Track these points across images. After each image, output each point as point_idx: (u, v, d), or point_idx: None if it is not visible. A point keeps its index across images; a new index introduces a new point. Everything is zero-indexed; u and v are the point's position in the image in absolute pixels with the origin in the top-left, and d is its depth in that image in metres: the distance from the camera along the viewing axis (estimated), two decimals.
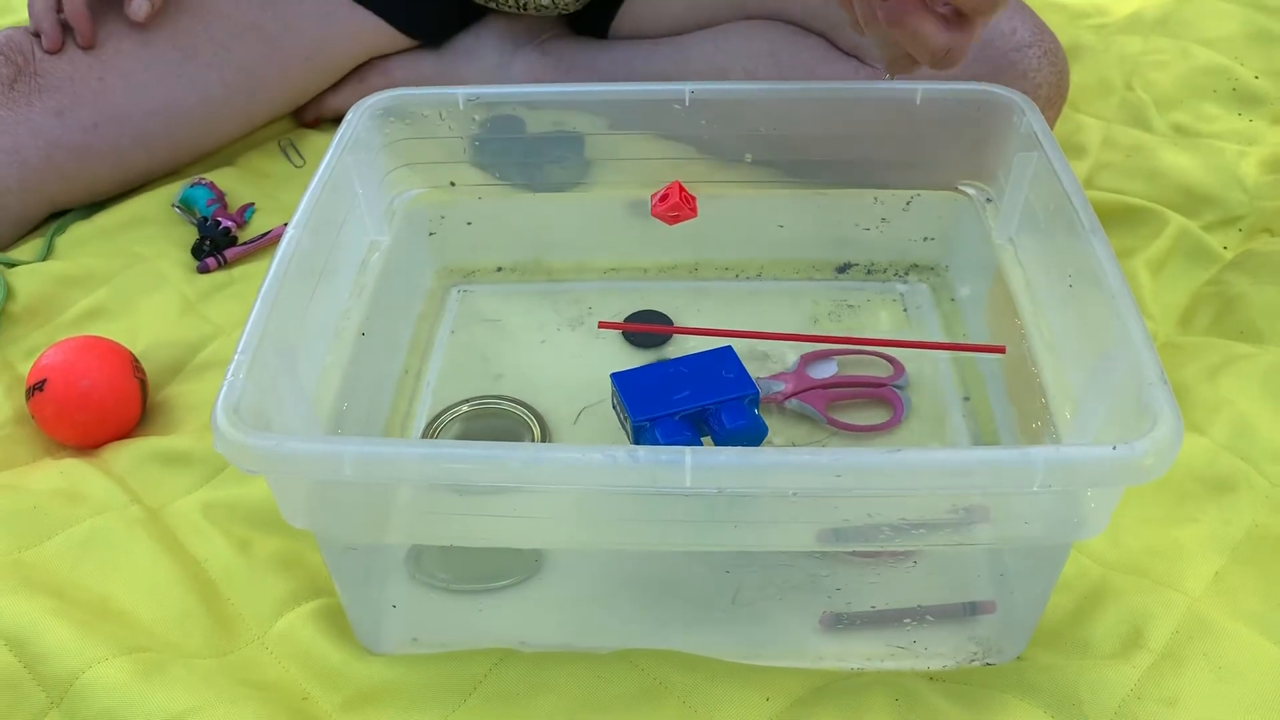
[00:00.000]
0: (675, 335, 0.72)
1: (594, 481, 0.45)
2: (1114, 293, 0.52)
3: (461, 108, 0.69)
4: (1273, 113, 0.93)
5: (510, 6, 0.89)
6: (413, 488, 0.49)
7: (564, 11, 0.90)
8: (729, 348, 0.62)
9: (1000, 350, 0.65)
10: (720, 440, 0.59)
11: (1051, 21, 0.89)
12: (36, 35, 0.81)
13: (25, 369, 0.71)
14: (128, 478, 0.64)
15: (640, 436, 0.59)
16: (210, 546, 0.60)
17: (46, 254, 0.82)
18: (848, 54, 0.79)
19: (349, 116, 0.67)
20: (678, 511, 0.47)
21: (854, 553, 0.55)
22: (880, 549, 0.54)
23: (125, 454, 0.65)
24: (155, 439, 0.67)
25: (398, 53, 0.94)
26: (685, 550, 0.57)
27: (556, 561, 0.58)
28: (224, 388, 0.48)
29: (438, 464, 0.46)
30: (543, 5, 0.88)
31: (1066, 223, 0.57)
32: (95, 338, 0.69)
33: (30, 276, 0.78)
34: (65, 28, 0.81)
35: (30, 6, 0.81)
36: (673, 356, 0.70)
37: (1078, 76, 0.95)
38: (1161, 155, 0.88)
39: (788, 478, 0.44)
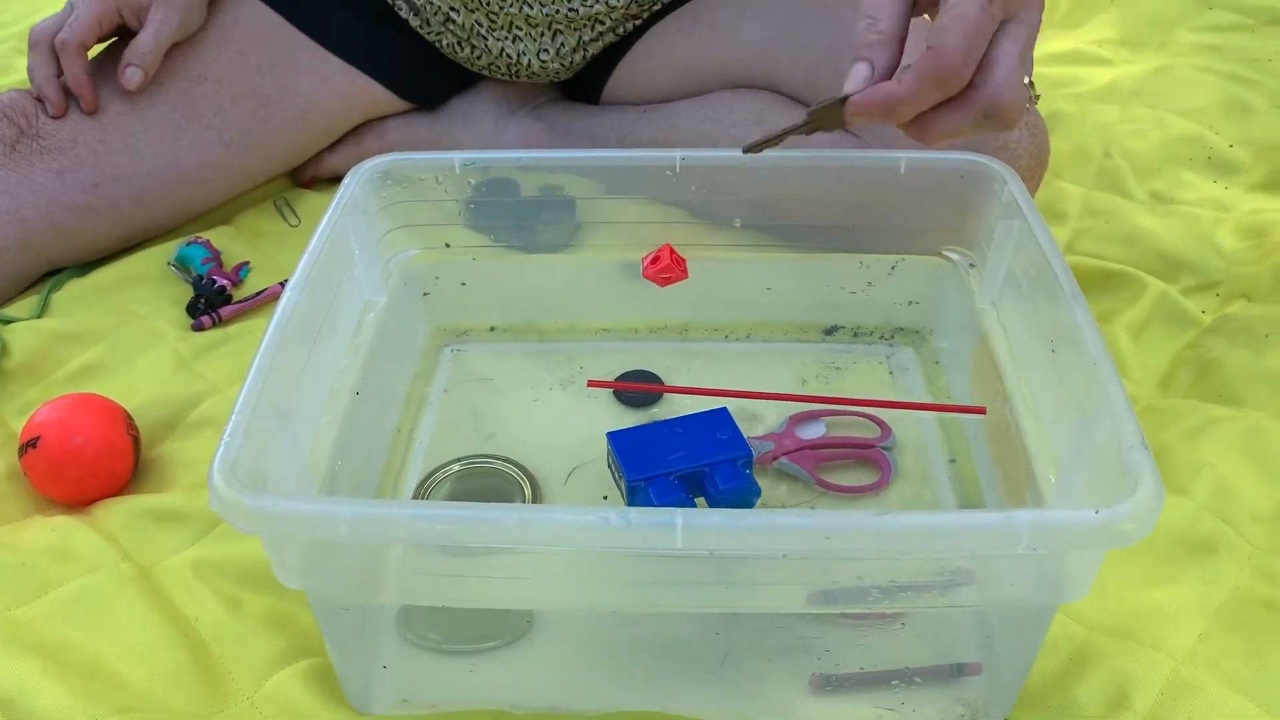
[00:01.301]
0: (665, 395, 0.73)
1: (586, 543, 0.46)
2: (1095, 358, 0.53)
3: (458, 172, 0.70)
4: (1247, 181, 0.96)
5: (503, 74, 0.91)
6: (406, 548, 0.49)
7: (555, 79, 0.93)
8: (724, 409, 0.63)
9: (981, 411, 0.66)
10: (714, 501, 0.60)
11: None
12: (39, 99, 0.83)
13: (19, 426, 0.71)
14: (119, 535, 0.64)
15: (635, 496, 0.60)
16: (201, 605, 0.60)
17: (42, 311, 0.83)
18: None
19: (347, 180, 0.68)
20: (668, 573, 0.48)
21: (843, 614, 0.56)
22: (869, 610, 0.55)
23: (117, 511, 0.65)
24: (147, 496, 0.67)
25: (393, 115, 0.96)
26: (676, 612, 0.57)
27: (547, 622, 0.58)
28: (221, 448, 0.48)
29: (432, 525, 0.46)
30: (534, 73, 0.91)
31: (1048, 289, 0.59)
32: (89, 395, 0.70)
33: (26, 333, 0.79)
34: (67, 92, 0.83)
35: (31, 75, 0.82)
36: (663, 416, 0.71)
37: (1057, 144, 0.97)
38: (1140, 221, 0.90)
39: (777, 540, 0.45)
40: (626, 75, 0.91)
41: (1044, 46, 1.17)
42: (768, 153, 0.64)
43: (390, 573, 0.51)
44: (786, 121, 0.59)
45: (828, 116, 0.51)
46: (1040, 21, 0.50)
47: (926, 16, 0.54)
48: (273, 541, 0.49)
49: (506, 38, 0.88)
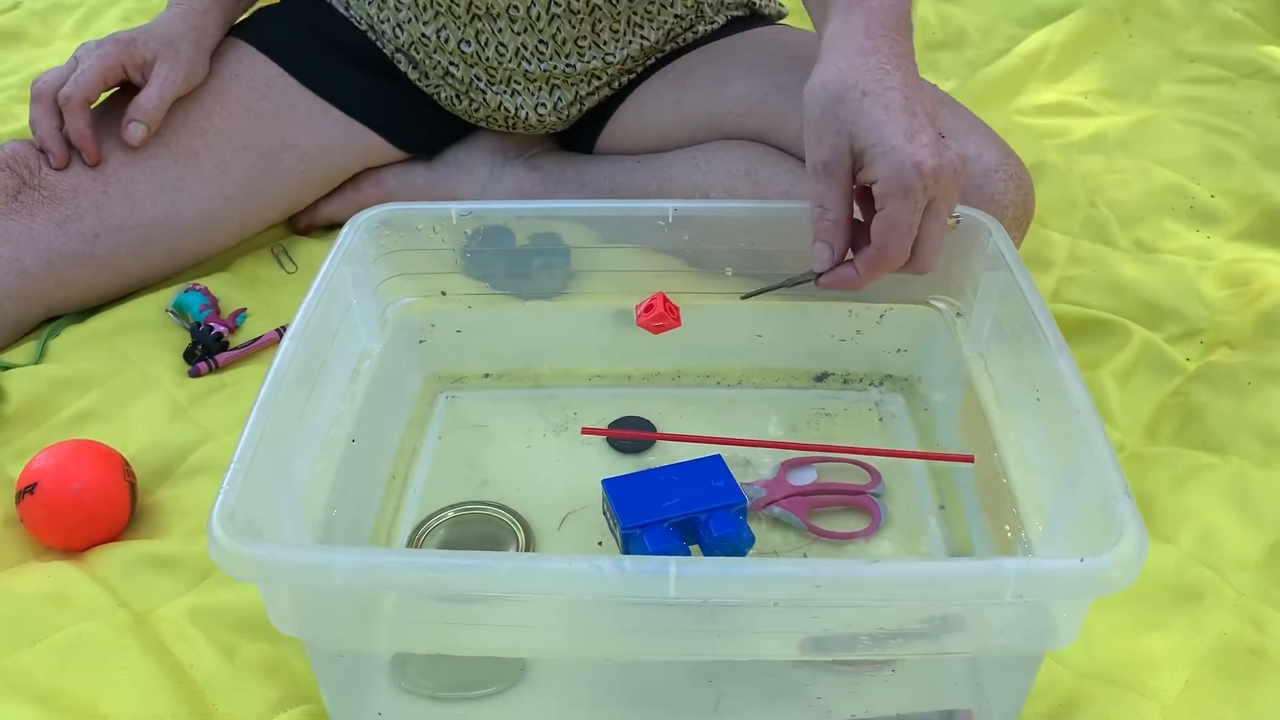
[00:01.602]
0: (658, 441, 0.74)
1: (580, 591, 0.46)
2: (1079, 408, 0.54)
3: (455, 221, 0.71)
4: (1229, 230, 0.98)
5: (500, 125, 0.93)
6: (400, 596, 0.50)
7: (552, 131, 0.94)
8: (718, 456, 0.64)
9: (969, 460, 0.67)
10: (708, 547, 0.60)
11: (1017, 142, 0.93)
12: (41, 150, 0.84)
13: (16, 471, 0.71)
14: (115, 582, 0.64)
15: (630, 543, 0.60)
16: (196, 652, 0.60)
17: (40, 357, 0.83)
18: None
19: (346, 229, 0.69)
20: (662, 621, 0.48)
21: (835, 662, 0.56)
22: (860, 658, 0.55)
23: (113, 558, 0.66)
24: (144, 543, 0.67)
25: (391, 164, 0.98)
26: (669, 659, 0.57)
27: (540, 670, 0.58)
28: (220, 496, 0.49)
29: (426, 574, 0.47)
30: (531, 125, 0.92)
31: (1033, 339, 0.60)
32: (87, 441, 0.70)
33: (24, 379, 0.79)
34: (69, 144, 0.84)
35: (34, 127, 0.83)
36: (657, 461, 0.72)
37: (1043, 194, 0.99)
38: (1125, 270, 0.92)
39: (768, 588, 0.46)
40: (620, 126, 0.93)
41: (1030, 98, 1.20)
42: (759, 203, 0.77)
43: (385, 620, 0.51)
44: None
45: (804, 280, 0.66)
46: (957, 196, 0.62)
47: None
48: (269, 589, 0.49)
49: (505, 92, 0.90)
